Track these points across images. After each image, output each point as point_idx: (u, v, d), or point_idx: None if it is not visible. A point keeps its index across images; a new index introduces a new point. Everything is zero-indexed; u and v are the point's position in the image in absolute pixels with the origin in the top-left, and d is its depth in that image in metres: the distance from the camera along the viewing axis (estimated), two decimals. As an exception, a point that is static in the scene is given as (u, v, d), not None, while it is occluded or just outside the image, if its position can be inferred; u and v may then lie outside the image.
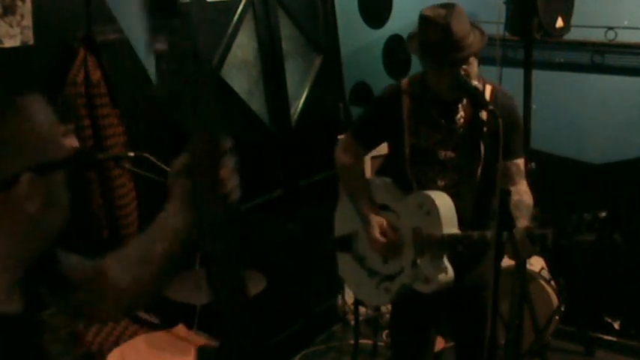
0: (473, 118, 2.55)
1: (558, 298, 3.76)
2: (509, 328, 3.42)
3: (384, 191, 2.75)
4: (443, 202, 2.54)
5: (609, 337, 4.01)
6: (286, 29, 4.11)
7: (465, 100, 2.55)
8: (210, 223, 1.20)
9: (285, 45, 4.08)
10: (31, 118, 1.07)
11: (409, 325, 2.85)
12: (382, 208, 2.73)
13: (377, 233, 2.66)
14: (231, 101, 3.73)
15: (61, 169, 1.12)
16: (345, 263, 2.91)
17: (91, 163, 3.02)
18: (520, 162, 2.64)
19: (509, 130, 2.44)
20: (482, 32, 2.52)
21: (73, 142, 1.16)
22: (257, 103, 3.92)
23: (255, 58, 3.90)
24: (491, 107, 2.40)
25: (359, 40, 4.56)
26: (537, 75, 3.50)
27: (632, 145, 3.80)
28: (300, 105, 4.22)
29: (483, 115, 2.47)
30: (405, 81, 2.66)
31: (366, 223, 2.69)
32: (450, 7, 2.44)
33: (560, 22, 3.39)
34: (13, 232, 1.08)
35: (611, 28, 3.72)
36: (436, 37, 2.41)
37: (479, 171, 2.58)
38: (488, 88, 2.59)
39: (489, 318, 2.44)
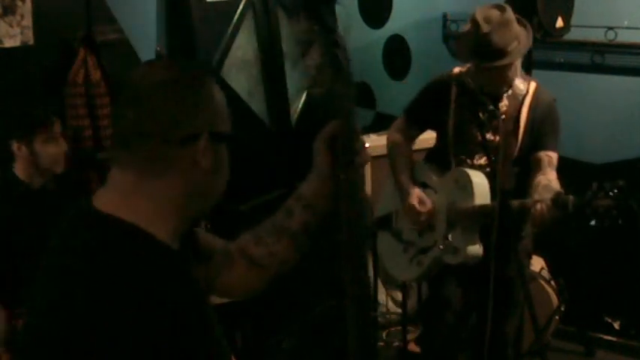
0: (518, 108, 2.73)
1: (558, 298, 3.76)
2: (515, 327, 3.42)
3: (425, 171, 2.93)
4: (478, 177, 2.70)
5: (609, 337, 4.01)
6: (286, 29, 4.11)
7: (510, 91, 2.72)
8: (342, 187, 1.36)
9: (285, 45, 4.08)
10: (214, 93, 1.27)
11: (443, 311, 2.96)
12: (422, 186, 2.89)
13: (414, 200, 2.80)
14: (231, 101, 3.72)
15: (227, 142, 1.29)
16: (382, 240, 3.08)
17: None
18: (552, 154, 2.79)
19: (545, 124, 2.77)
20: (527, 35, 2.65)
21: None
22: (257, 103, 3.92)
23: (255, 58, 3.90)
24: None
25: (359, 40, 4.56)
26: (537, 75, 3.49)
27: (632, 145, 3.80)
28: (300, 105, 4.22)
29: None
30: (456, 69, 2.83)
31: (405, 192, 2.85)
32: (500, 11, 2.57)
33: (560, 22, 3.40)
34: (187, 182, 1.20)
35: (611, 28, 3.72)
36: (477, 43, 2.56)
37: (515, 155, 2.75)
38: (532, 86, 2.77)
39: (489, 318, 2.47)
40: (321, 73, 1.35)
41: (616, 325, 4.02)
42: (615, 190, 2.32)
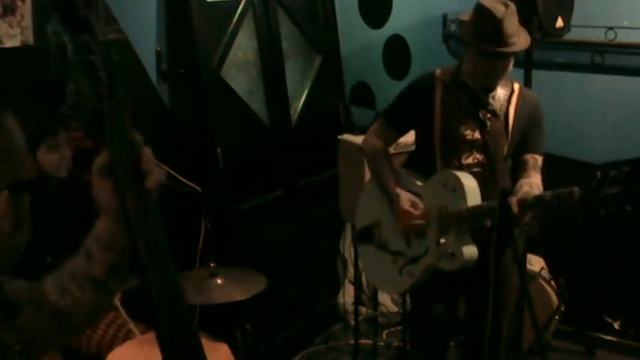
0: (504, 106, 2.72)
1: (558, 298, 3.76)
2: (508, 327, 3.42)
3: (407, 178, 2.85)
4: (467, 179, 2.63)
5: (609, 337, 4.01)
6: (286, 29, 4.11)
7: (494, 92, 2.70)
8: (136, 219, 1.11)
9: (285, 45, 4.08)
10: (9, 135, 1.04)
11: (429, 325, 2.88)
12: None
13: (407, 205, 2.73)
14: (231, 101, 3.73)
15: (30, 190, 1.09)
16: (366, 254, 2.99)
17: (91, 163, 3.02)
18: (538, 157, 2.76)
19: (531, 125, 2.73)
20: (527, 34, 2.66)
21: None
22: (257, 103, 3.92)
23: (255, 58, 3.90)
24: (491, 107, 2.53)
25: (359, 40, 4.56)
26: (537, 75, 3.49)
27: (632, 145, 3.80)
28: (300, 105, 4.22)
29: (483, 114, 2.54)
30: (439, 70, 2.79)
31: (395, 198, 2.77)
32: (505, 3, 2.57)
33: (560, 22, 3.39)
34: None
35: (611, 28, 3.72)
36: (489, 28, 2.54)
37: (505, 154, 2.71)
38: (516, 86, 2.76)
39: (489, 317, 2.46)
40: (78, 90, 1.07)
41: (616, 325, 4.02)
42: (622, 177, 2.25)
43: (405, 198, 2.75)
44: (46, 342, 1.30)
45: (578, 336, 3.99)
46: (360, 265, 3.04)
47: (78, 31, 1.04)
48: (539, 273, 3.75)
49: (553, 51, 3.90)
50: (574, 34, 3.57)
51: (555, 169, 3.95)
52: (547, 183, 2.73)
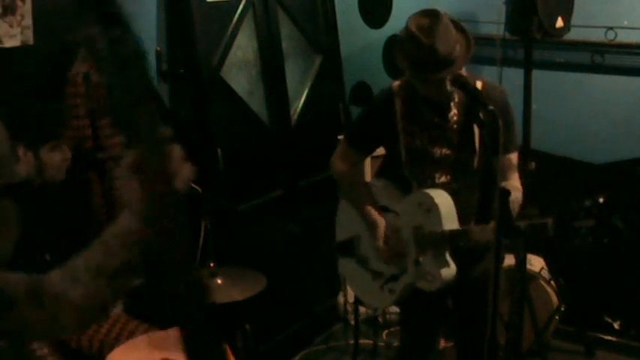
0: (467, 115, 2.56)
1: (558, 298, 3.76)
2: (509, 328, 3.42)
3: (383, 193, 2.76)
4: (442, 199, 2.56)
5: (609, 337, 4.01)
6: (286, 29, 4.11)
7: (456, 98, 2.57)
8: (160, 219, 1.09)
9: (285, 45, 4.08)
10: None
11: (418, 326, 2.87)
12: (382, 210, 2.75)
13: (382, 233, 2.67)
14: (231, 101, 3.73)
15: (12, 195, 1.06)
16: (348, 267, 2.93)
17: (91, 163, 3.03)
18: (512, 156, 2.65)
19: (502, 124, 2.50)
20: (467, 39, 2.48)
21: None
22: (257, 103, 3.92)
23: (255, 58, 3.90)
24: (490, 107, 2.39)
25: (359, 40, 4.56)
26: (537, 75, 3.50)
27: (632, 145, 3.80)
28: (300, 105, 4.22)
29: (482, 114, 2.48)
30: (396, 84, 2.68)
31: (372, 229, 2.71)
32: (434, 18, 2.39)
33: (560, 22, 3.40)
34: None
35: (611, 28, 3.72)
36: (421, 56, 2.39)
37: (475, 166, 2.59)
38: (478, 84, 2.59)
39: (489, 317, 2.45)
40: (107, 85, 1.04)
41: (616, 325, 4.02)
42: (597, 209, 2.18)
43: (383, 227, 2.68)
44: (36, 336, 1.28)
45: (578, 336, 3.99)
46: (343, 277, 2.97)
47: (110, 25, 1.03)
48: (539, 273, 3.75)
49: (553, 51, 3.90)
50: (574, 34, 3.57)
51: (555, 169, 3.97)
52: (548, 183, 2.73)
